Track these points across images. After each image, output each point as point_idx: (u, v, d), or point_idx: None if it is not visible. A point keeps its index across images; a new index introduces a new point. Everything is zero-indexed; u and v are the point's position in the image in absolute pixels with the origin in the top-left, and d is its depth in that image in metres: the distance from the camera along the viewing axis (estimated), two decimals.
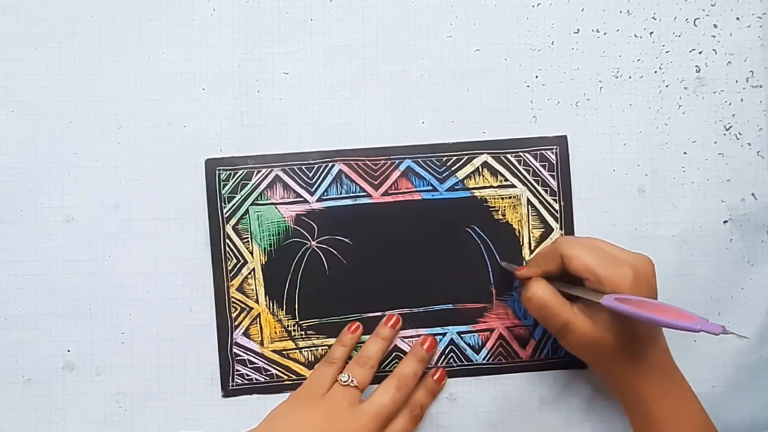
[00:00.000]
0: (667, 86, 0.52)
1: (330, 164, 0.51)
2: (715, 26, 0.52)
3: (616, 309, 0.40)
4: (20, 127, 0.50)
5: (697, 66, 0.52)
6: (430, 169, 0.51)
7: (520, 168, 0.51)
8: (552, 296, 0.44)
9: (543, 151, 0.51)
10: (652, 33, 0.52)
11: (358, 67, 0.51)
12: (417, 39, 0.51)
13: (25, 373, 0.50)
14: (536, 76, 0.51)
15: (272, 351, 0.50)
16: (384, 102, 0.51)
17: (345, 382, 0.47)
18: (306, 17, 0.51)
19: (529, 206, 0.51)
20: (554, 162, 0.51)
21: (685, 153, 0.52)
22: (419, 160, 0.51)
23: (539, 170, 0.51)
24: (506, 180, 0.51)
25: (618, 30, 0.52)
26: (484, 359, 0.51)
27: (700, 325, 0.35)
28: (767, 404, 0.51)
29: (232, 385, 0.50)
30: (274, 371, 0.50)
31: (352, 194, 0.51)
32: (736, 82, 0.52)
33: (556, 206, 0.51)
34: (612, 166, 0.52)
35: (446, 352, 0.51)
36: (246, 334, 0.50)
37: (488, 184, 0.51)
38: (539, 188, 0.51)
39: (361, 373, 0.48)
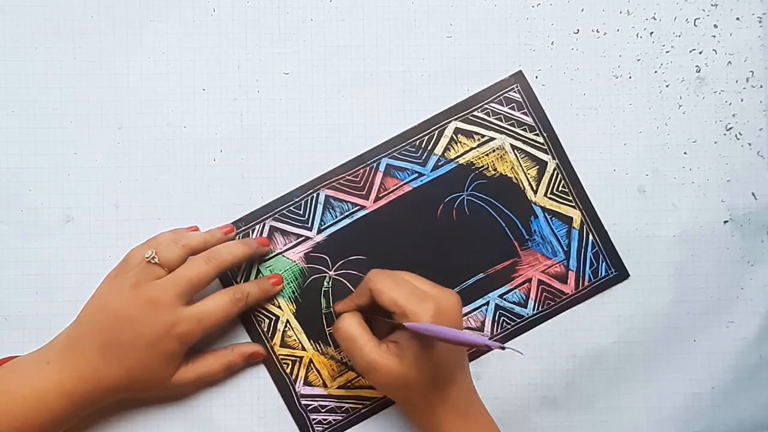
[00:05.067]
0: (667, 86, 0.52)
1: (314, 194, 0.50)
2: (715, 26, 0.52)
3: (415, 329, 0.40)
4: (20, 127, 0.50)
5: (697, 66, 0.52)
6: (408, 158, 0.51)
7: (491, 119, 0.51)
8: (359, 331, 0.43)
9: (505, 95, 0.51)
10: (652, 33, 0.52)
11: (358, 67, 0.51)
12: (417, 39, 0.51)
13: None
14: (536, 76, 0.51)
15: (338, 388, 0.50)
16: (384, 102, 0.51)
17: (147, 257, 0.44)
18: (306, 17, 0.51)
19: (515, 150, 0.51)
20: (520, 99, 0.51)
21: (685, 153, 0.52)
22: (394, 153, 0.51)
23: (509, 113, 0.51)
24: (483, 136, 0.51)
25: (618, 30, 0.52)
26: (534, 310, 0.51)
27: (484, 341, 0.37)
28: (767, 404, 0.51)
29: None
30: (347, 405, 0.50)
31: (347, 212, 0.50)
32: (736, 82, 0.52)
33: (540, 139, 0.51)
34: (612, 166, 0.52)
35: (497, 318, 0.51)
36: (307, 382, 0.50)
37: (468, 148, 0.51)
38: (517, 130, 0.51)
39: (170, 251, 0.44)
